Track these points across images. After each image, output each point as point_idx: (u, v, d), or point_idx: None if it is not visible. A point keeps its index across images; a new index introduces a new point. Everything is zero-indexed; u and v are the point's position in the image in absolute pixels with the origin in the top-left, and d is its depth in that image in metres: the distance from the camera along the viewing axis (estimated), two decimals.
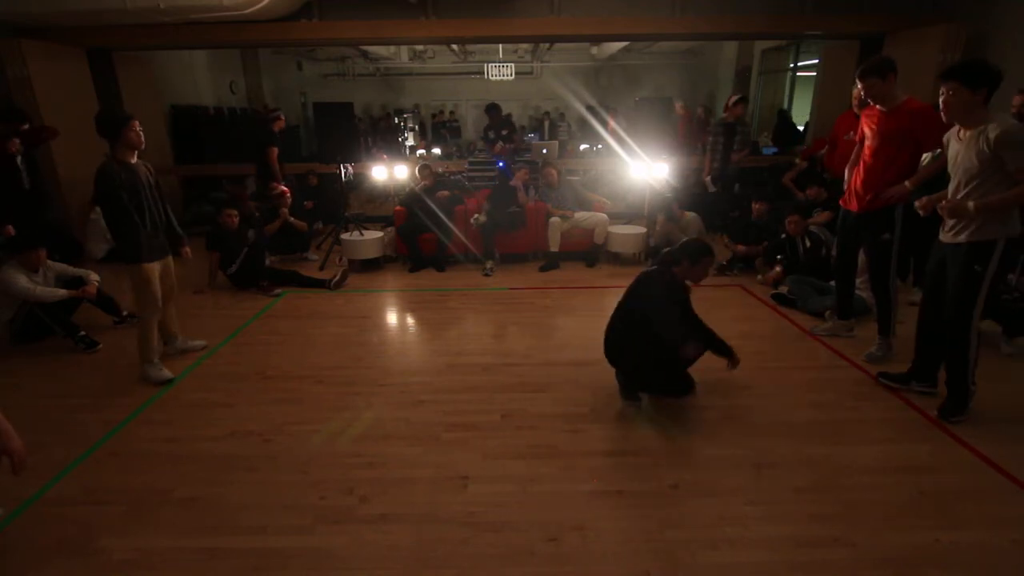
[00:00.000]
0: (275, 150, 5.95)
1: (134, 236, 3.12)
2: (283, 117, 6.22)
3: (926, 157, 3.35)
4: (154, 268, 3.25)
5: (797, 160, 6.22)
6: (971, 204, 2.44)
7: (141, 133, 3.12)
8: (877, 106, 3.11)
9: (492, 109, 7.69)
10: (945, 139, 2.69)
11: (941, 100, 2.47)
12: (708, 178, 6.25)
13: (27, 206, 4.62)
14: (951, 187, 2.61)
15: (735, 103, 6.13)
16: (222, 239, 4.91)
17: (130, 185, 3.09)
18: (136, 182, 3.12)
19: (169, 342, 3.65)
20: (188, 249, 3.59)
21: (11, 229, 4.34)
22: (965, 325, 2.61)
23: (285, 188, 6.04)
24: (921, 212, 2.70)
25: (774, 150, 8.65)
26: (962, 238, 2.55)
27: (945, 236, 2.66)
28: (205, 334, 3.93)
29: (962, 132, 2.54)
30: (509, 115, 8.89)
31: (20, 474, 1.76)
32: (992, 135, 2.34)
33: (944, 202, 2.57)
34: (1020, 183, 2.33)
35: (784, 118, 9.41)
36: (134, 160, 3.16)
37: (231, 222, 4.93)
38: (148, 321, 3.30)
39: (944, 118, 2.55)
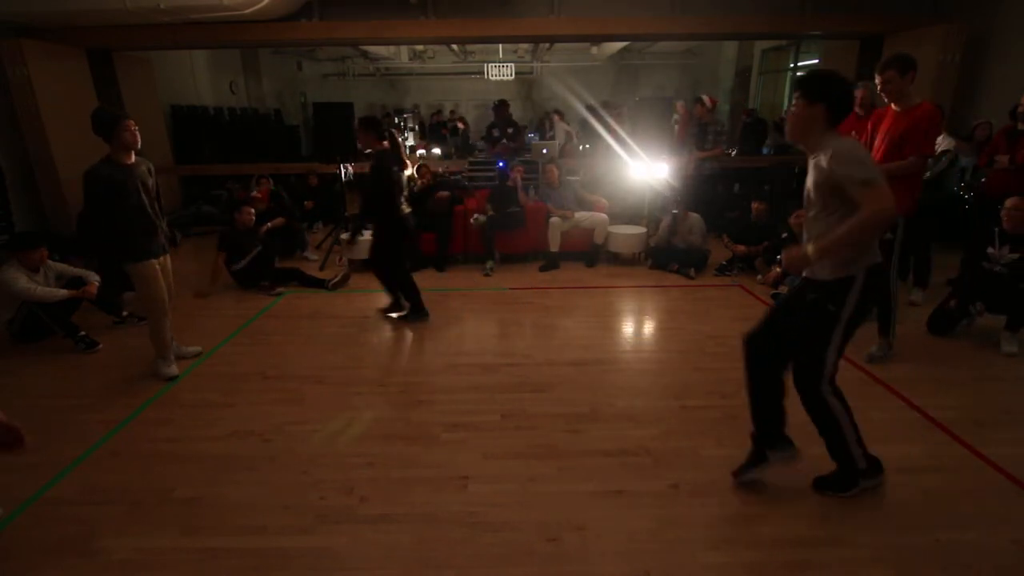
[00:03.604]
0: None
1: (128, 237, 3.09)
2: None
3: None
4: (155, 265, 3.22)
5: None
6: (810, 248, 1.96)
7: (136, 133, 3.06)
8: (892, 106, 3.10)
9: (500, 106, 7.60)
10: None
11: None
12: (684, 176, 6.25)
13: None
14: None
15: (693, 103, 6.31)
16: (234, 237, 4.89)
17: (124, 186, 3.03)
18: (132, 183, 3.07)
19: None
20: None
21: None
22: (815, 380, 2.16)
23: (258, 194, 6.02)
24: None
25: (768, 150, 8.63)
26: (825, 274, 2.06)
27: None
28: (205, 334, 3.94)
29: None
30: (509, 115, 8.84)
31: (21, 445, 1.67)
32: (827, 155, 1.93)
33: (784, 255, 2.15)
34: (859, 206, 1.84)
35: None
36: (131, 160, 3.10)
37: (248, 220, 4.93)
38: (158, 320, 3.28)
39: (787, 135, 2.19)
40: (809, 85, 1.99)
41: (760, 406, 2.35)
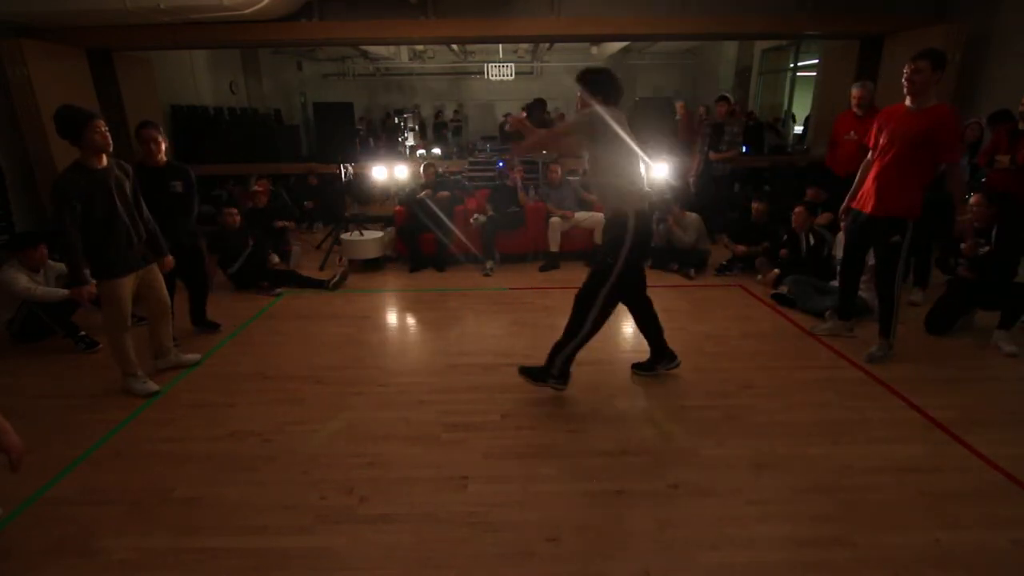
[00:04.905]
0: None
1: (97, 251, 2.86)
2: None
3: None
4: (124, 284, 2.98)
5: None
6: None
7: (107, 133, 2.79)
8: (906, 103, 3.06)
9: (536, 105, 7.52)
10: None
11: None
12: (692, 178, 6.25)
13: None
14: None
15: (715, 102, 6.24)
16: (224, 239, 4.90)
17: (94, 195, 2.77)
18: (103, 190, 2.81)
19: (160, 356, 3.42)
20: (170, 259, 3.29)
21: None
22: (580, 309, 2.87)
23: (258, 187, 6.04)
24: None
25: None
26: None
27: None
28: (204, 334, 3.95)
29: None
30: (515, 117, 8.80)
31: (18, 471, 1.75)
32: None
33: None
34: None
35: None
36: (102, 164, 2.83)
37: (232, 221, 4.93)
38: (117, 338, 3.06)
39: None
40: (589, 83, 2.74)
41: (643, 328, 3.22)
